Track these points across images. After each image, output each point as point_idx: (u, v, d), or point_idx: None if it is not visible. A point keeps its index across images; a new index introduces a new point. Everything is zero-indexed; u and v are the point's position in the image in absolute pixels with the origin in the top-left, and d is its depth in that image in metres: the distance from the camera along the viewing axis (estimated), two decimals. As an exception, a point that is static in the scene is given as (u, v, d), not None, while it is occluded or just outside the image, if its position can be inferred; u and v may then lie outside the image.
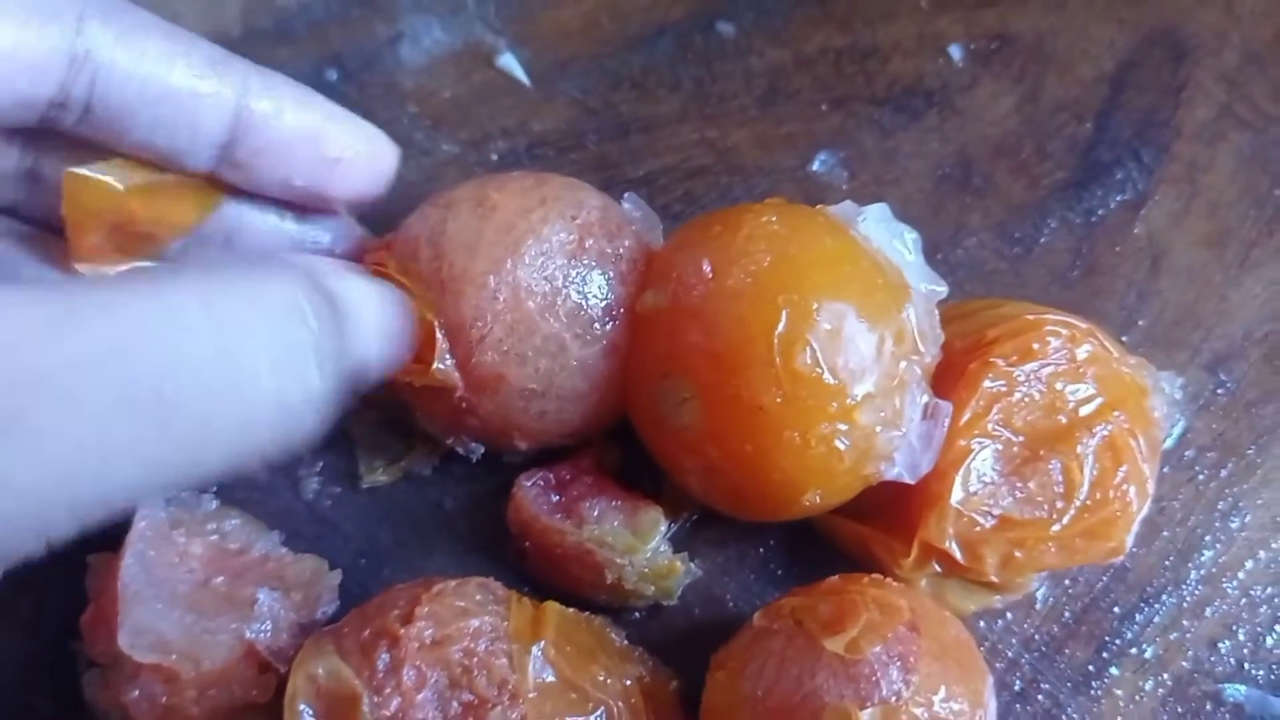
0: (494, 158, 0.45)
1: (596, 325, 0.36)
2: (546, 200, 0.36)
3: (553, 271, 0.35)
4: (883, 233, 0.36)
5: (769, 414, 0.33)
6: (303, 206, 0.37)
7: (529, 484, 0.38)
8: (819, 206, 0.36)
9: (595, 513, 0.37)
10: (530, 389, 0.36)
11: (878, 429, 0.33)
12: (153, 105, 0.31)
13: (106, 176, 0.33)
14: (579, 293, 0.36)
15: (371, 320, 0.31)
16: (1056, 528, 0.36)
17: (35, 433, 0.21)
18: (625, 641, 0.37)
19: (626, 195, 0.38)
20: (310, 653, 0.32)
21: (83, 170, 0.33)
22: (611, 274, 0.36)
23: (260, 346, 0.25)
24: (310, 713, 0.32)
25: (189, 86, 0.32)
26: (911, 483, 0.35)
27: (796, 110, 0.47)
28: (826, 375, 0.32)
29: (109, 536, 0.36)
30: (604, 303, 0.36)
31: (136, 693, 0.34)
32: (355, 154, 0.36)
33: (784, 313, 0.33)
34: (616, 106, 0.46)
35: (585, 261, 0.36)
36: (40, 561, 0.22)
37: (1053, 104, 0.47)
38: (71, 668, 0.36)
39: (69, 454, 0.22)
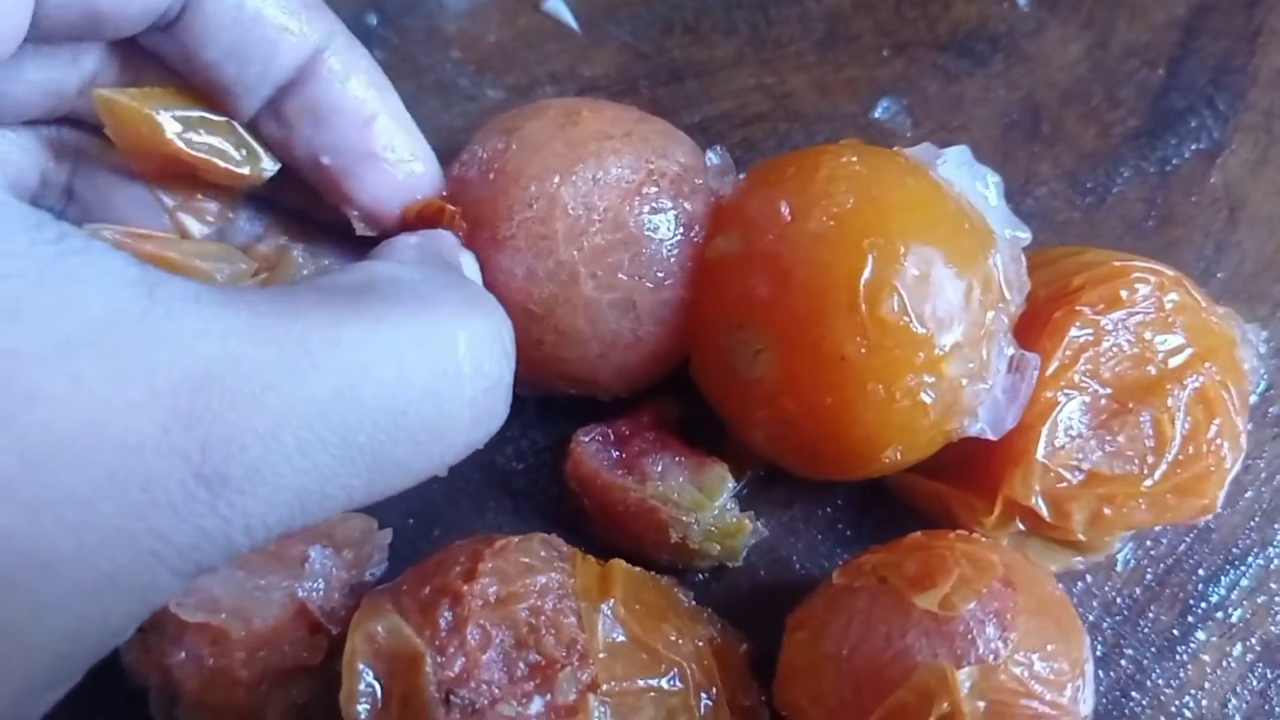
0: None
1: (621, 275, 0.33)
2: (632, 135, 0.34)
3: (596, 202, 0.33)
4: (964, 176, 0.34)
5: (852, 365, 0.31)
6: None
7: (587, 439, 0.37)
8: (895, 149, 0.34)
9: (659, 469, 0.36)
10: (530, 309, 0.33)
11: (964, 381, 0.31)
12: (240, 27, 0.30)
13: (137, 102, 0.32)
14: (614, 235, 0.33)
15: None
16: (1148, 483, 0.34)
17: (269, 484, 0.21)
18: (693, 602, 0.35)
19: (712, 148, 0.36)
20: (368, 612, 0.31)
21: (108, 92, 0.31)
22: (661, 232, 0.34)
23: (467, 387, 0.25)
24: (371, 673, 0.30)
25: (280, 19, 0.31)
26: (995, 439, 0.33)
27: (856, 55, 0.45)
28: (914, 324, 0.31)
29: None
30: (638, 255, 0.34)
31: (182, 654, 0.32)
32: (397, 158, 0.34)
33: (870, 257, 0.31)
34: (669, 51, 0.45)
35: (636, 208, 0.34)
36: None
37: (1123, 49, 0.45)
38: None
39: (290, 508, 0.22)
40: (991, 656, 0.29)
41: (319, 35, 0.32)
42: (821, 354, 0.31)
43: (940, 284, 0.31)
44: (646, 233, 0.34)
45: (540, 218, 0.33)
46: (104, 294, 0.20)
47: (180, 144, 0.32)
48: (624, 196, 0.34)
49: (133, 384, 0.19)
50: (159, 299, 0.20)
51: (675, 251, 0.34)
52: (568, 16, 0.45)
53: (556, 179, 0.33)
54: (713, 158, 0.36)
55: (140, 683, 0.34)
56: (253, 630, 0.32)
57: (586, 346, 0.34)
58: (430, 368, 0.24)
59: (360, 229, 0.34)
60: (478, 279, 0.33)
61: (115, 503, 0.19)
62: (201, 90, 0.32)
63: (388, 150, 0.33)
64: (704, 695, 0.32)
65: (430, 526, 0.38)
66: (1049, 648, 0.29)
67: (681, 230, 0.34)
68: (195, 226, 0.34)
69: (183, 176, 0.33)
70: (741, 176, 0.36)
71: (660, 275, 0.34)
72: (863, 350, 0.31)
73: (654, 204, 0.34)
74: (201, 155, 0.33)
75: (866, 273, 0.31)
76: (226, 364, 0.20)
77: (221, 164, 0.33)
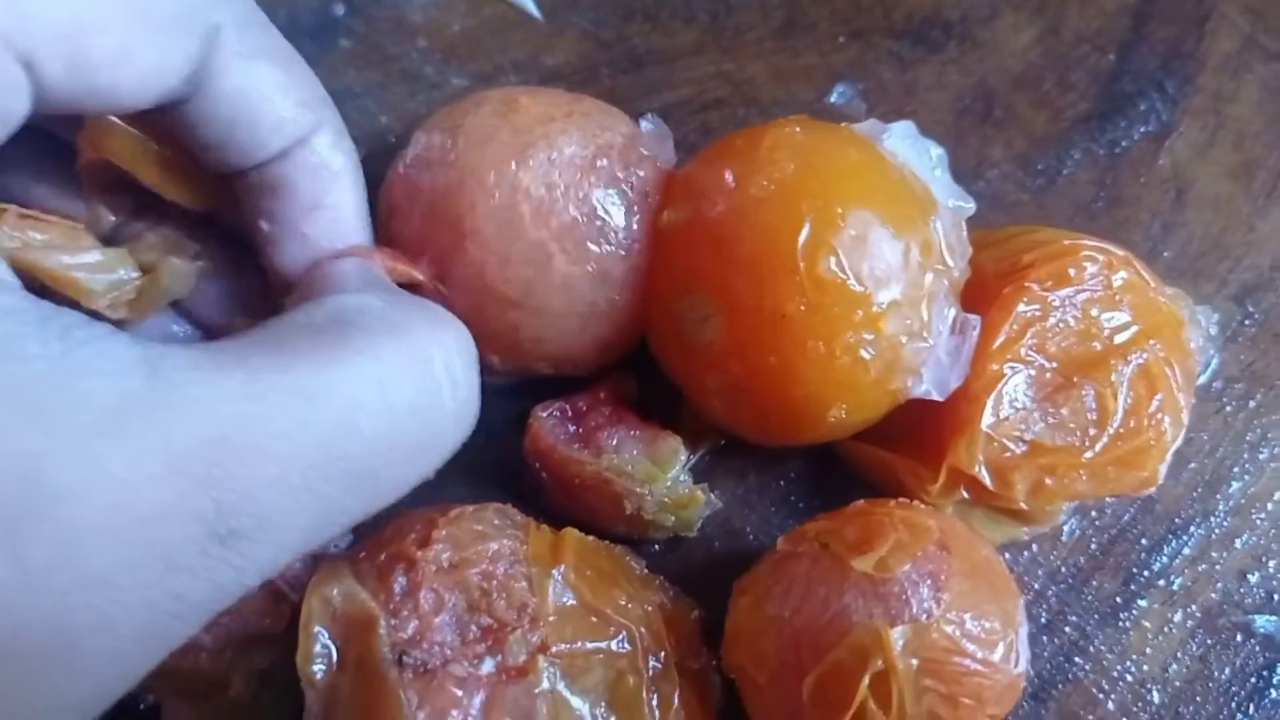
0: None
1: (591, 246, 0.35)
2: (573, 114, 0.35)
3: (556, 180, 0.34)
4: (908, 149, 0.35)
5: (792, 322, 0.32)
6: None
7: (545, 414, 0.37)
8: (843, 124, 0.36)
9: (614, 442, 0.36)
10: (507, 296, 0.34)
11: (904, 339, 0.33)
12: (240, 116, 0.30)
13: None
14: (578, 210, 0.34)
15: None
16: (1089, 455, 0.35)
17: (279, 526, 0.23)
18: (645, 569, 0.36)
19: (645, 115, 0.37)
20: (325, 576, 0.32)
21: (117, 120, 0.32)
22: (619, 201, 0.35)
23: (448, 400, 0.27)
24: (326, 635, 0.31)
25: (281, 113, 0.31)
26: (940, 399, 0.34)
27: (814, 42, 0.46)
28: (851, 282, 0.32)
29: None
30: (603, 226, 0.35)
31: (147, 621, 0.33)
32: (329, 244, 0.34)
33: (808, 219, 0.32)
34: (630, 39, 0.46)
35: (593, 182, 0.35)
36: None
37: (1074, 35, 0.46)
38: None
39: (298, 543, 0.24)
40: (924, 616, 0.30)
41: (309, 127, 0.32)
42: (764, 314, 0.32)
43: (878, 244, 0.32)
44: (608, 204, 0.35)
45: (505, 204, 0.34)
46: (113, 381, 0.21)
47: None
48: (580, 172, 0.35)
49: (150, 461, 0.21)
50: (161, 374, 0.21)
51: (636, 218, 0.35)
52: (531, 5, 0.46)
53: (513, 164, 0.34)
54: (646, 124, 0.37)
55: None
56: (215, 599, 0.33)
57: (567, 323, 0.35)
58: (414, 389, 0.26)
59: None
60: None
61: (137, 577, 0.21)
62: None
63: (323, 238, 0.33)
64: (652, 658, 0.33)
65: (394, 501, 0.39)
66: (981, 608, 0.31)
67: (638, 197, 0.35)
68: (106, 216, 0.35)
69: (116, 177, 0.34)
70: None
71: (627, 241, 0.35)
72: (802, 308, 0.32)
73: (609, 175, 0.35)
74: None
75: (804, 233, 0.32)
76: (232, 423, 0.22)
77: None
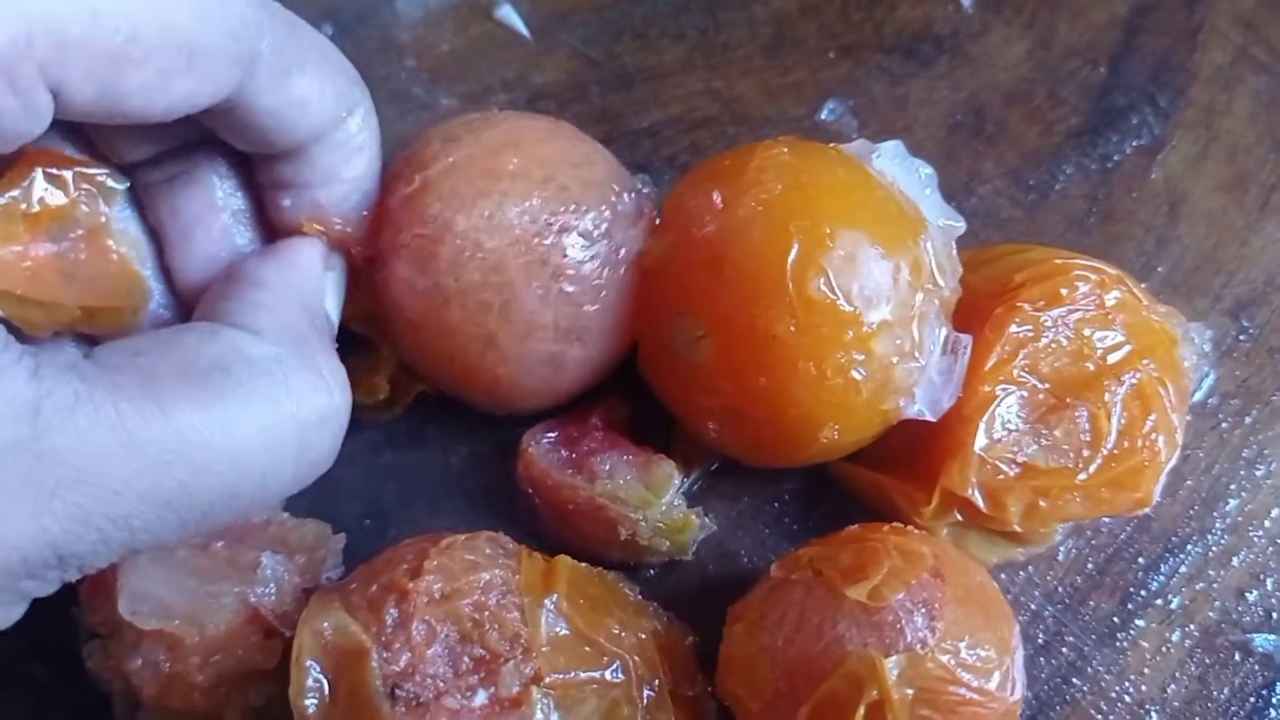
0: (495, 111, 0.44)
1: (567, 287, 0.34)
2: (582, 167, 0.35)
3: (544, 222, 0.34)
4: (897, 168, 0.35)
5: (783, 343, 0.32)
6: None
7: (538, 441, 0.37)
8: (832, 145, 0.35)
9: (607, 467, 0.36)
10: (488, 332, 0.34)
11: (895, 359, 0.32)
12: (270, 133, 0.31)
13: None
14: (557, 256, 0.34)
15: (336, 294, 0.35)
16: (1082, 477, 0.35)
17: (113, 549, 0.25)
18: (639, 596, 0.36)
19: (642, 177, 0.38)
20: (316, 609, 0.31)
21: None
22: (599, 258, 0.35)
23: (292, 467, 0.28)
24: (318, 668, 0.31)
25: (315, 124, 0.31)
26: (933, 420, 0.34)
27: (803, 58, 0.46)
28: (841, 302, 0.31)
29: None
30: (575, 276, 0.34)
31: (139, 661, 0.33)
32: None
33: (796, 239, 0.32)
34: (619, 57, 0.45)
35: (579, 239, 0.34)
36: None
37: (1065, 49, 0.46)
38: (71, 638, 0.35)
39: (126, 555, 0.26)
40: (919, 645, 0.30)
41: (343, 115, 0.32)
42: (755, 335, 0.32)
43: (867, 264, 0.32)
44: (586, 259, 0.35)
45: (485, 228, 0.34)
46: (2, 428, 0.23)
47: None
48: (569, 225, 0.34)
49: (23, 500, 0.23)
50: (43, 417, 0.24)
51: (609, 270, 0.35)
52: (519, 24, 0.46)
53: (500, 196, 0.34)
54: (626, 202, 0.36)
55: (104, 689, 0.35)
56: (206, 636, 0.33)
57: (530, 360, 0.35)
58: (266, 457, 0.27)
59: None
60: (339, 291, 0.35)
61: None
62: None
63: (333, 205, 0.34)
64: (646, 687, 0.32)
65: (385, 528, 0.39)
66: (976, 636, 0.30)
67: (619, 259, 0.35)
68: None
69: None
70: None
71: (598, 291, 0.35)
72: (793, 329, 0.32)
73: (597, 237, 0.35)
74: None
75: (793, 254, 0.32)
76: (96, 468, 0.24)
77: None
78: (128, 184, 0.33)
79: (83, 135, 0.32)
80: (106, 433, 0.24)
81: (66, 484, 0.24)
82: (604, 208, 0.35)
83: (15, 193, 0.30)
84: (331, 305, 0.34)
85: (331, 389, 0.29)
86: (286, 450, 0.28)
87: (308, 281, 0.33)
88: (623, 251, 0.35)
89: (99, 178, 0.32)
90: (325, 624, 0.31)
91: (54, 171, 0.31)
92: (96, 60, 0.25)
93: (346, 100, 0.32)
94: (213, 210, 0.34)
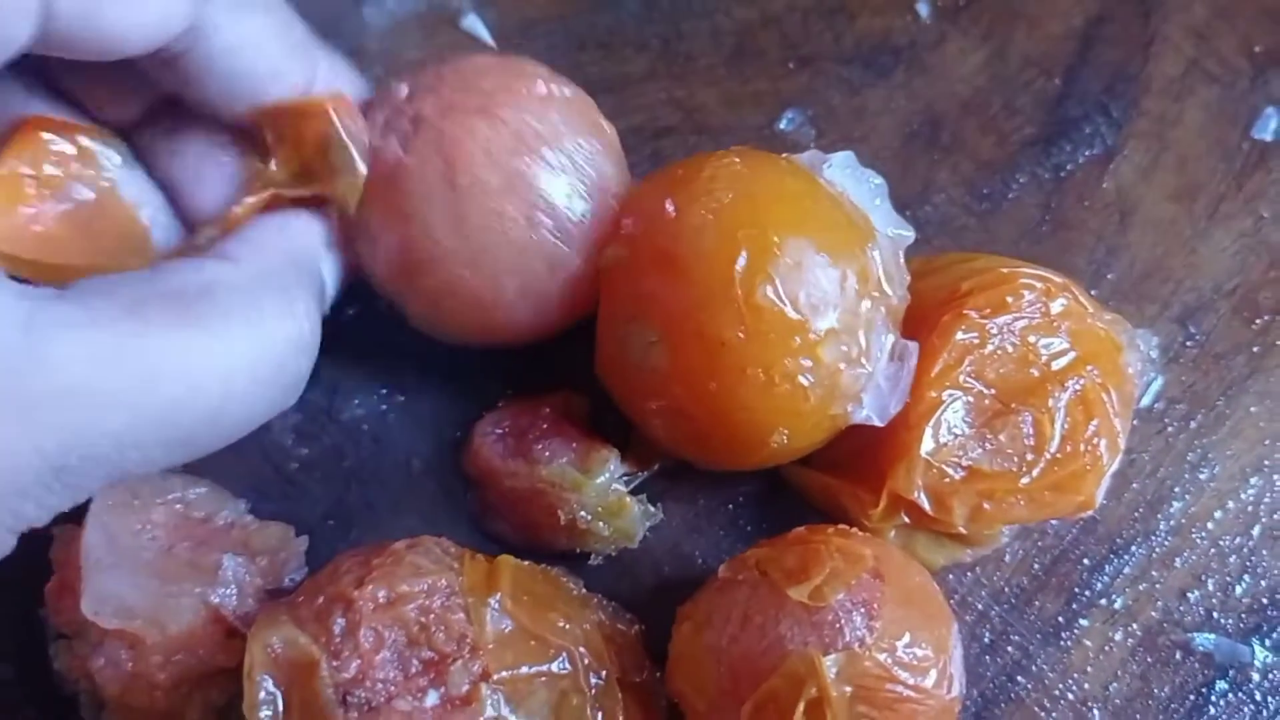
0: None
1: (542, 217, 0.35)
2: (599, 126, 0.37)
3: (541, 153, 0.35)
4: (848, 178, 0.36)
5: (732, 349, 0.32)
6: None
7: (487, 431, 0.38)
8: (784, 155, 0.36)
9: (547, 453, 0.37)
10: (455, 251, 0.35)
11: (842, 366, 0.33)
12: (234, 78, 0.32)
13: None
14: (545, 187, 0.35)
15: (333, 271, 0.36)
16: (1026, 480, 0.36)
17: (103, 468, 0.27)
18: (583, 589, 0.37)
19: None
20: (264, 624, 0.32)
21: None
22: (584, 198, 0.36)
23: (271, 389, 0.30)
24: (270, 682, 0.31)
25: (276, 63, 0.33)
26: (880, 425, 0.35)
27: (764, 68, 0.46)
28: (788, 309, 0.32)
29: (73, 508, 0.35)
30: (556, 210, 0.35)
31: (102, 660, 0.33)
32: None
33: (744, 247, 0.32)
34: (583, 67, 0.46)
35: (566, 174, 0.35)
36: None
37: (1021, 60, 0.47)
38: (37, 638, 0.36)
39: (116, 476, 0.27)
40: (857, 644, 0.30)
41: (306, 76, 0.34)
42: (705, 341, 0.33)
43: (814, 272, 0.33)
44: (574, 197, 0.35)
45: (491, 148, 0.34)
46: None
47: None
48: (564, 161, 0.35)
49: (17, 412, 0.24)
50: (36, 329, 0.25)
51: (591, 219, 0.36)
52: (485, 33, 0.47)
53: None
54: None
55: (70, 689, 0.35)
56: (168, 635, 0.33)
57: (507, 280, 0.35)
58: (249, 381, 0.29)
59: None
60: (336, 269, 0.36)
61: None
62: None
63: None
64: (594, 676, 0.33)
65: (348, 529, 0.39)
66: (914, 635, 0.31)
67: (603, 208, 0.36)
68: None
69: None
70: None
71: (578, 234, 0.36)
72: (741, 335, 0.32)
73: (587, 178, 0.36)
74: None
75: (741, 261, 0.32)
76: (86, 385, 0.25)
77: None
78: (124, 144, 0.35)
79: (79, 105, 0.34)
80: (97, 347, 0.25)
81: (59, 395, 0.25)
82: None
83: (21, 159, 0.32)
84: (328, 273, 0.35)
85: (302, 321, 0.31)
86: (265, 370, 0.30)
87: (300, 239, 0.34)
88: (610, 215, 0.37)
89: (99, 138, 0.34)
90: (274, 638, 0.32)
91: (56, 136, 0.33)
92: None
93: (306, 56, 0.34)
94: (216, 146, 0.35)
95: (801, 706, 0.30)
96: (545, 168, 0.35)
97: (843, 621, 0.31)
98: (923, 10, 0.47)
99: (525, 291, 0.36)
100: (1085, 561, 0.40)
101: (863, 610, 0.31)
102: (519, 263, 0.35)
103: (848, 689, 0.30)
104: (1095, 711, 0.38)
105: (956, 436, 0.36)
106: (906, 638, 0.31)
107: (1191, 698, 0.38)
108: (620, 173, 0.37)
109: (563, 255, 0.35)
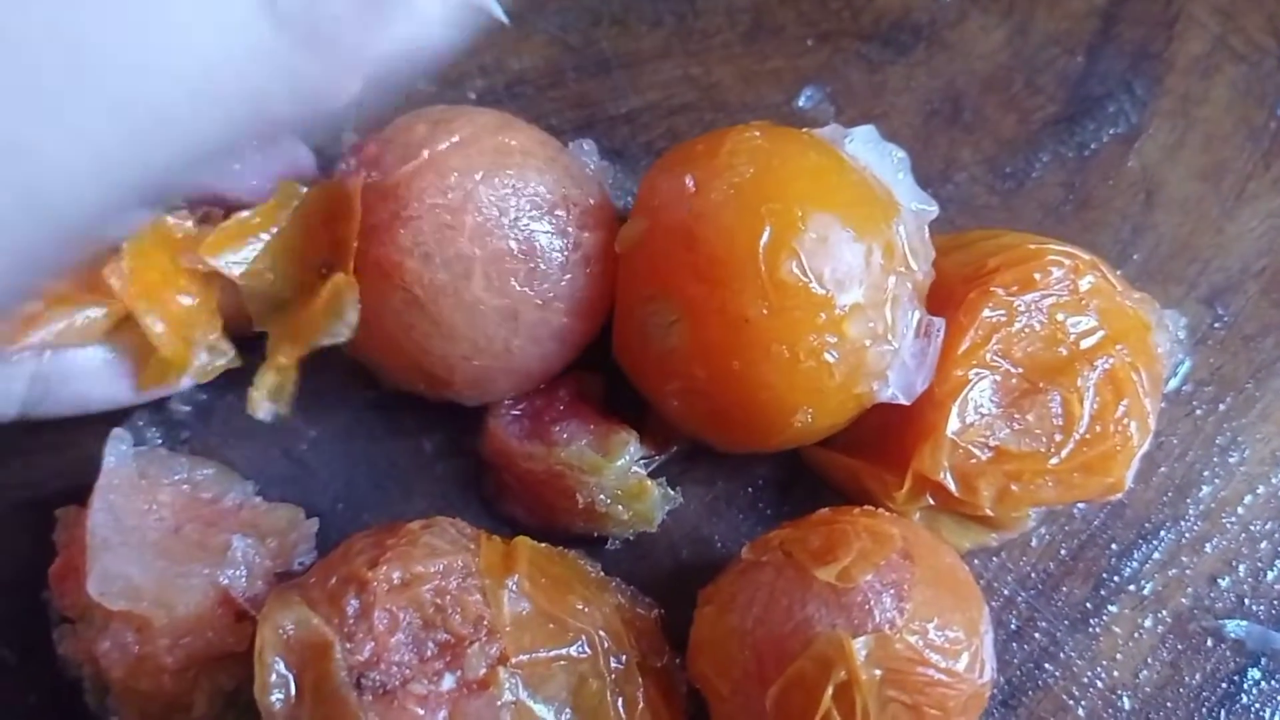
0: (472, 96, 0.44)
1: (513, 284, 0.34)
2: (556, 161, 0.36)
3: (509, 208, 0.34)
4: (870, 153, 0.35)
5: (756, 326, 0.31)
6: None
7: (503, 414, 0.37)
8: (804, 129, 0.35)
9: (565, 435, 0.36)
10: (414, 294, 0.34)
11: (868, 342, 0.32)
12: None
13: None
14: (517, 244, 0.34)
15: None
16: (1054, 461, 0.35)
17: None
18: (601, 572, 0.36)
19: (580, 141, 0.38)
20: (276, 605, 0.31)
21: None
22: (560, 254, 0.35)
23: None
24: (281, 664, 0.30)
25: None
26: (907, 403, 0.34)
27: (781, 45, 0.45)
28: (813, 284, 0.31)
29: (76, 490, 0.34)
30: (535, 270, 0.34)
31: (107, 643, 0.32)
32: None
33: (768, 222, 0.32)
34: (597, 43, 0.45)
35: (543, 225, 0.34)
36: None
37: (1043, 37, 0.46)
38: (40, 622, 0.35)
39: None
40: (887, 626, 0.30)
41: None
42: (727, 318, 0.32)
43: (839, 247, 0.32)
44: (548, 251, 0.34)
45: (452, 208, 0.33)
46: None
47: None
48: (536, 211, 0.34)
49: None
50: None
51: (568, 277, 0.35)
52: (497, 9, 0.46)
53: (479, 175, 0.34)
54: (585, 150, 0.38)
55: (74, 674, 0.34)
56: (176, 617, 0.33)
57: (456, 345, 0.35)
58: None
59: None
60: None
61: None
62: None
63: None
64: (614, 659, 0.32)
65: (358, 512, 0.38)
66: (945, 617, 0.30)
67: (579, 259, 0.35)
68: None
69: None
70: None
71: (549, 294, 0.34)
72: (765, 312, 0.32)
73: (561, 227, 0.35)
74: None
75: (765, 237, 0.32)
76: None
77: None
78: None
79: None
80: None
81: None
82: (594, 198, 0.36)
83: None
84: None
85: None
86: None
87: None
88: (592, 260, 0.36)
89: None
90: (286, 619, 0.31)
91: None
92: None
93: None
94: None
95: (830, 690, 0.29)
96: (491, 239, 0.34)
97: (872, 603, 0.30)
98: (943, -14, 0.47)
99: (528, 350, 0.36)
100: (1113, 546, 0.39)
101: (892, 591, 0.30)
102: (510, 329, 0.35)
103: (877, 672, 0.29)
104: (1125, 699, 0.37)
105: (983, 416, 0.35)
106: (937, 620, 0.30)
107: (1224, 685, 0.38)
108: (579, 181, 0.36)
109: (548, 310, 0.35)
